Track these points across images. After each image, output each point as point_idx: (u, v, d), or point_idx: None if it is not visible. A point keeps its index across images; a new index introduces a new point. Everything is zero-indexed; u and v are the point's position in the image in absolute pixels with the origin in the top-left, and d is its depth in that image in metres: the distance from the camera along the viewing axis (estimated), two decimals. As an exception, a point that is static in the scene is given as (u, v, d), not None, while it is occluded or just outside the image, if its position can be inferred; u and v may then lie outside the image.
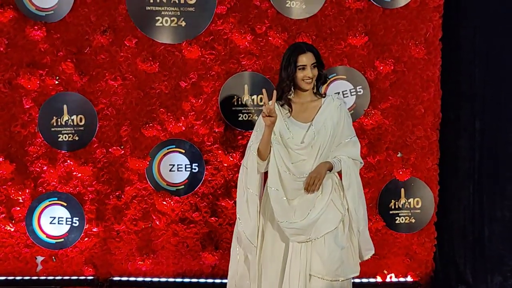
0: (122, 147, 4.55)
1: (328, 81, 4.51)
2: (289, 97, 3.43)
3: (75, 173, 4.52)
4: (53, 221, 4.52)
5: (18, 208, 4.50)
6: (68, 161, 4.51)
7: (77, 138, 4.52)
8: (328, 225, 3.35)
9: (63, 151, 4.51)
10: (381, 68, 4.62)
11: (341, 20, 4.61)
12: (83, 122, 4.52)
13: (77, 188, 4.54)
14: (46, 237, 4.52)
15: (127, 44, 4.51)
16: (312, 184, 3.28)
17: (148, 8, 4.51)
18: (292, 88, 3.42)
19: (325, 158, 3.35)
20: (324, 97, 3.46)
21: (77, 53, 4.50)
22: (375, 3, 4.60)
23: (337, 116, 3.37)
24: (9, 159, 4.47)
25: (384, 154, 4.66)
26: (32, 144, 4.50)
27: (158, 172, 4.58)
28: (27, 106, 4.48)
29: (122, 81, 4.52)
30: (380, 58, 4.63)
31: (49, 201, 4.51)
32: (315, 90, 3.45)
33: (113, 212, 4.56)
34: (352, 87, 4.63)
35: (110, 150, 4.54)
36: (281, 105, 3.43)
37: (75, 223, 4.52)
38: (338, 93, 4.58)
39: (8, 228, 4.50)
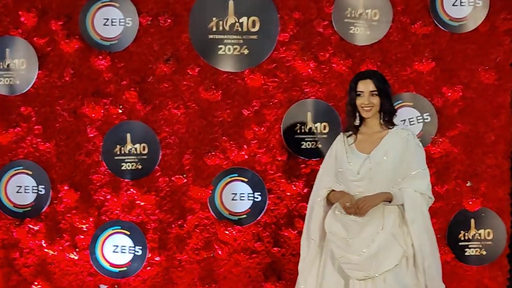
0: (184, 175, 4.54)
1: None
2: (356, 124, 3.38)
3: (138, 201, 4.54)
4: (116, 249, 4.54)
5: (82, 237, 4.54)
6: (131, 189, 4.53)
7: (140, 167, 4.54)
8: (388, 262, 3.24)
9: (126, 180, 4.54)
10: (449, 94, 4.51)
11: (406, 46, 4.53)
12: (146, 151, 4.54)
13: (140, 217, 4.55)
14: (109, 265, 4.54)
15: (190, 73, 4.53)
16: (361, 206, 3.16)
17: (210, 36, 4.53)
18: (357, 116, 3.38)
19: (385, 190, 3.24)
20: (392, 128, 3.38)
21: (141, 82, 4.53)
22: (442, 28, 4.51)
23: (402, 147, 3.27)
24: (73, 188, 4.52)
25: (452, 184, 4.53)
26: (96, 172, 4.54)
27: (220, 201, 4.56)
28: (91, 135, 4.53)
29: (185, 109, 4.54)
30: (447, 84, 4.52)
31: (113, 230, 4.54)
32: (382, 121, 3.36)
33: (175, 241, 4.55)
34: (419, 114, 4.53)
35: (172, 178, 4.54)
36: (348, 136, 3.40)
37: (138, 252, 4.53)
38: (404, 120, 4.48)
39: (72, 256, 4.53)
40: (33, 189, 4.52)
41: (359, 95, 3.29)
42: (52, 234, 4.54)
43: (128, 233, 4.53)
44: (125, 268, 4.54)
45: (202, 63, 4.54)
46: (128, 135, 4.54)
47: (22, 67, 4.51)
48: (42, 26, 4.50)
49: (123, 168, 4.53)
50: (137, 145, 4.54)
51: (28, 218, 4.51)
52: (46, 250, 4.53)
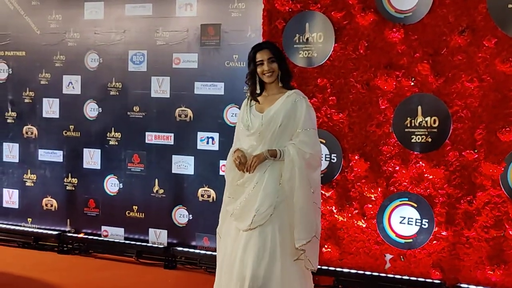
0: (476, 151, 4.64)
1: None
2: (257, 92, 3.80)
3: (426, 175, 4.75)
4: (403, 221, 4.82)
5: (370, 206, 4.90)
6: (420, 162, 4.76)
7: (430, 140, 4.74)
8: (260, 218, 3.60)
9: (415, 152, 4.78)
10: None
11: None
12: (436, 124, 4.73)
13: (428, 190, 4.76)
14: (396, 236, 4.85)
15: (486, 45, 4.58)
16: (249, 164, 3.63)
17: (510, 6, 4.51)
18: (258, 83, 3.79)
19: (275, 146, 3.65)
20: (288, 91, 3.76)
21: (434, 55, 4.71)
22: None
23: (290, 108, 3.68)
24: (364, 158, 4.90)
25: None
26: (386, 144, 4.86)
27: (513, 178, 4.59)
28: (383, 107, 4.84)
29: (479, 82, 4.61)
30: None
31: (400, 201, 4.83)
32: (281, 84, 3.76)
33: (463, 217, 4.68)
34: None
35: (463, 153, 4.66)
36: (251, 100, 3.85)
37: (425, 225, 4.76)
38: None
39: (360, 224, 4.93)
40: (326, 157, 4.99)
41: (259, 64, 3.72)
42: (342, 201, 4.99)
43: (416, 205, 4.79)
44: (411, 240, 4.81)
45: (499, 34, 4.55)
46: (419, 108, 4.76)
47: (319, 41, 4.99)
48: (339, 0, 4.90)
49: (413, 140, 4.78)
50: (427, 118, 4.74)
51: (320, 184, 5.00)
52: (336, 216, 4.99)
